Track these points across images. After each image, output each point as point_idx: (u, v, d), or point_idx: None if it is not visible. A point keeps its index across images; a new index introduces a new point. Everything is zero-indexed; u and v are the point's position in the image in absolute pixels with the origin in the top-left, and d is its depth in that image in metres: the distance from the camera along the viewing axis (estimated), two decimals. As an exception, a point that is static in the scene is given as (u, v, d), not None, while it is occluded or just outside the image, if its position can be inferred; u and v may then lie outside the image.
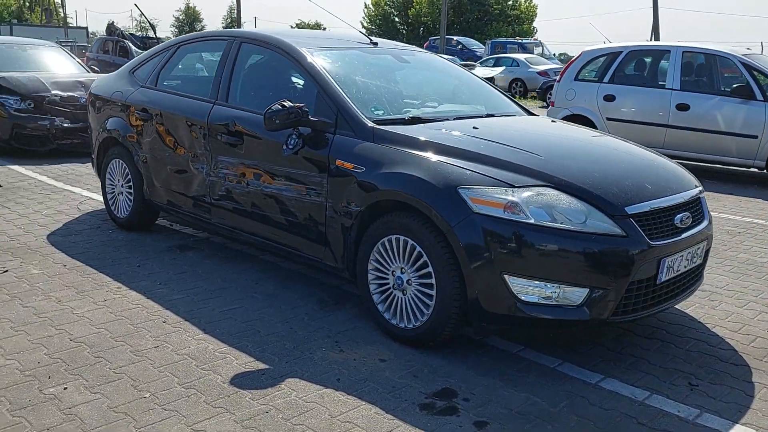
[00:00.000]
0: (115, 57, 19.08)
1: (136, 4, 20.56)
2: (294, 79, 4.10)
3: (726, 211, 6.68)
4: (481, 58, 28.35)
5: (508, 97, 4.72)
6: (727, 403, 2.93)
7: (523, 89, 22.84)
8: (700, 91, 8.52)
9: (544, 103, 15.75)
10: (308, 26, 67.68)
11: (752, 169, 8.48)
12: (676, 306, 3.93)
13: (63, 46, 34.79)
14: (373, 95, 3.91)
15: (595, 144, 3.86)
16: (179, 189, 4.64)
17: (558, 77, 9.95)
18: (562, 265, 2.96)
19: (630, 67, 9.44)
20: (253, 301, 3.89)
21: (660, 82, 8.91)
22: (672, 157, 8.80)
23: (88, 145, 6.09)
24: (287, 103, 3.58)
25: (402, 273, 3.33)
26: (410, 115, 3.76)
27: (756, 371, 3.22)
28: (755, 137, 7.97)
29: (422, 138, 3.41)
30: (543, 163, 3.20)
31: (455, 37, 33.85)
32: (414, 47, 5.01)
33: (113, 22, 19.63)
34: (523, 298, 3.00)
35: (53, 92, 8.41)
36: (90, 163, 5.96)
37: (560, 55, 41.73)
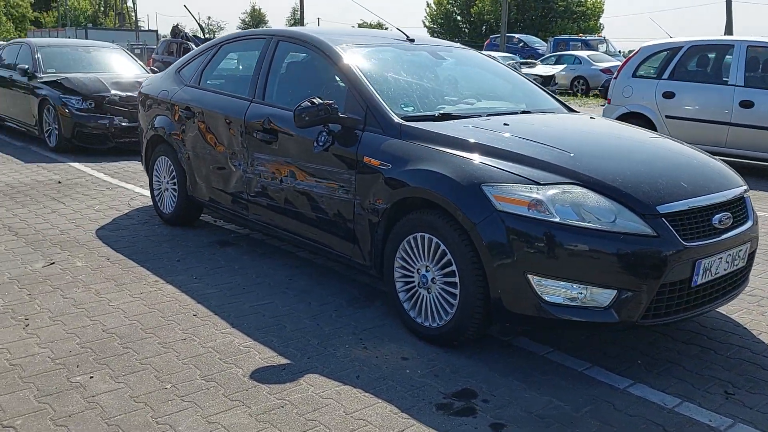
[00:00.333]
0: (178, 58, 19.63)
1: (185, 5, 21.04)
2: (327, 76, 4.11)
3: (789, 212, 6.35)
4: (542, 55, 27.87)
5: (549, 94, 4.60)
6: (764, 413, 2.77)
7: (585, 87, 22.32)
8: (765, 88, 8.12)
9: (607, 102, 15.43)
10: (370, 26, 68.06)
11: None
12: (719, 310, 3.77)
13: (134, 48, 35.75)
14: (404, 92, 3.88)
15: (632, 141, 3.72)
16: (219, 186, 4.72)
17: (615, 74, 9.66)
18: (588, 266, 2.86)
19: (691, 63, 9.08)
20: (285, 296, 3.92)
21: (723, 79, 8.54)
22: (734, 156, 8.48)
23: (142, 143, 6.28)
24: (317, 100, 3.59)
25: (427, 271, 3.29)
26: (441, 112, 3.71)
27: (801, 381, 3.04)
28: (824, 135, 7.54)
29: (449, 134, 3.36)
30: (571, 161, 3.10)
31: (517, 35, 33.38)
32: (453, 44, 4.95)
33: (178, 24, 20.20)
34: (547, 298, 2.92)
35: (113, 92, 8.71)
36: (142, 161, 6.15)
37: (628, 52, 40.61)
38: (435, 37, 56.69)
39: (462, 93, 4.19)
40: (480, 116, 3.78)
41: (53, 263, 4.38)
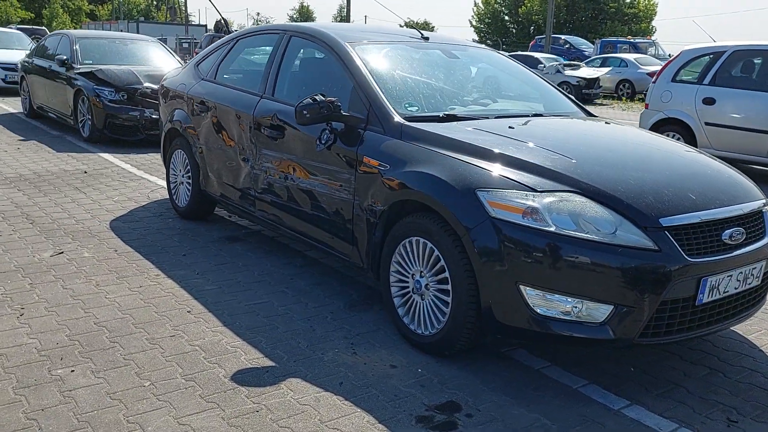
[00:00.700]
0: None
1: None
2: (336, 73, 4.03)
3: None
4: (589, 58, 27.32)
5: (568, 98, 4.43)
6: (767, 445, 2.59)
7: (631, 91, 21.80)
8: (811, 96, 7.75)
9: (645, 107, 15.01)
10: (416, 24, 67.88)
11: None
12: (735, 330, 3.57)
13: (182, 42, 36.37)
14: (410, 91, 3.77)
15: (644, 149, 3.54)
16: (229, 181, 4.69)
17: (654, 78, 9.35)
18: (584, 279, 2.71)
19: (734, 69, 8.72)
20: (283, 296, 3.86)
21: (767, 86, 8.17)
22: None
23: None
24: (318, 97, 3.51)
25: (421, 277, 3.18)
26: (446, 113, 3.59)
27: (814, 411, 2.84)
28: None
29: (448, 136, 3.25)
30: (573, 168, 2.96)
31: (563, 36, 32.81)
32: (469, 42, 4.82)
33: (221, 19, 20.42)
34: (539, 311, 2.78)
35: (145, 84, 8.80)
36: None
37: (679, 55, 39.49)
38: (482, 37, 56.26)
39: (473, 93, 4.06)
40: (488, 118, 3.65)
41: (61, 253, 4.41)
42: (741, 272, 2.94)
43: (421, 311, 3.20)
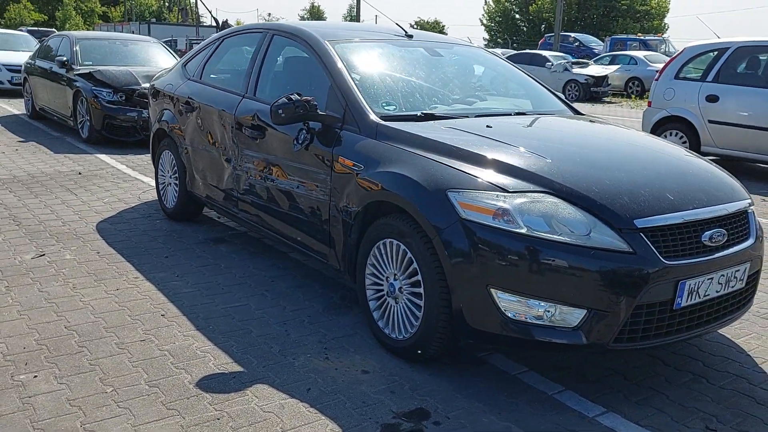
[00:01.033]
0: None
1: None
2: (315, 72, 3.95)
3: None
4: (598, 55, 27.08)
5: (556, 96, 4.33)
6: (746, 455, 2.49)
7: (641, 88, 21.54)
8: (817, 92, 7.59)
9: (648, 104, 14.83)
10: (427, 24, 67.70)
11: None
12: (724, 334, 3.47)
13: (192, 43, 36.69)
14: (389, 90, 3.69)
15: (626, 147, 3.43)
16: (213, 182, 4.64)
17: (656, 75, 9.20)
18: (556, 282, 2.62)
19: (739, 65, 8.56)
20: (262, 299, 3.79)
21: (773, 81, 8.01)
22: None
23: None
24: (294, 96, 3.44)
25: (395, 280, 3.10)
26: (424, 112, 3.51)
27: (798, 420, 2.73)
28: None
29: (423, 136, 3.17)
30: (547, 167, 2.86)
31: (572, 34, 32.53)
32: (456, 40, 4.73)
33: (227, 20, 20.44)
34: (511, 315, 2.69)
35: (143, 85, 8.75)
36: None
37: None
38: (493, 35, 56.01)
39: (455, 92, 3.97)
40: (467, 117, 3.57)
41: (43, 255, 4.38)
42: (723, 275, 2.84)
43: (395, 315, 3.13)
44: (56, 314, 3.45)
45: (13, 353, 3.02)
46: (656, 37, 29.59)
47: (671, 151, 3.46)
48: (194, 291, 3.86)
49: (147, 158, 8.03)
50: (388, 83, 3.74)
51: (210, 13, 23.23)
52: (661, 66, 21.55)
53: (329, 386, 2.85)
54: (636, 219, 2.65)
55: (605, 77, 20.87)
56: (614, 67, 22.21)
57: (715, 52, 8.57)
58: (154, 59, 10.24)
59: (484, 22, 56.78)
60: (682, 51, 9.00)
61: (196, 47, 5.45)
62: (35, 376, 2.82)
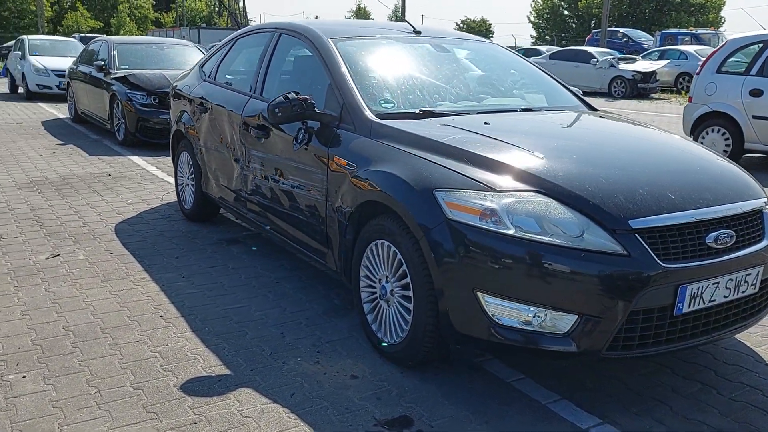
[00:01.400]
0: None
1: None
2: (318, 70, 3.89)
3: None
4: (647, 51, 26.33)
5: (571, 92, 4.16)
6: (748, 473, 2.31)
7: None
8: None
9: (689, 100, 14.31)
10: (473, 23, 67.14)
11: None
12: (742, 341, 3.27)
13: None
14: (388, 87, 3.60)
15: (633, 144, 3.26)
16: (224, 182, 4.63)
17: (698, 69, 8.84)
18: (545, 286, 2.49)
19: (785, 57, 8.15)
20: (263, 300, 3.75)
21: (821, 74, 7.60)
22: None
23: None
24: (291, 95, 3.39)
25: (387, 282, 3.02)
26: (422, 109, 3.41)
27: (812, 436, 2.53)
28: None
29: (415, 133, 3.07)
30: (540, 165, 2.73)
31: (621, 29, 31.74)
32: (466, 35, 4.60)
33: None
34: (499, 320, 2.57)
35: (176, 88, 8.88)
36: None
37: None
38: (540, 32, 55.14)
39: (461, 88, 3.84)
40: (468, 114, 3.45)
41: (57, 255, 4.44)
42: (731, 279, 2.65)
43: (387, 319, 3.04)
44: (57, 314, 3.48)
45: (7, 353, 3.04)
46: (709, 31, 28.57)
47: (682, 146, 3.27)
48: (197, 292, 3.84)
49: (177, 160, 8.13)
50: (388, 80, 3.65)
51: (227, 9, 23.31)
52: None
53: (315, 391, 2.78)
54: (631, 219, 2.50)
55: (653, 73, 20.28)
56: (663, 63, 21.55)
57: (760, 45, 8.19)
58: (189, 62, 10.34)
59: (532, 19, 55.97)
60: (724, 44, 8.63)
61: (212, 49, 5.46)
62: (24, 377, 2.83)
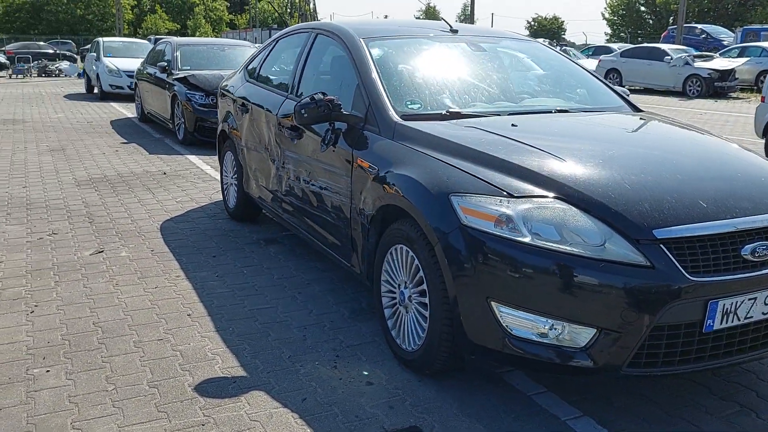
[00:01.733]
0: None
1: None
2: (349, 70, 3.85)
3: None
4: (727, 48, 25.16)
5: (615, 92, 3.97)
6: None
7: (773, 83, 19.75)
8: None
9: (761, 100, 13.57)
10: (545, 20, 65.87)
11: None
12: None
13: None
14: (418, 88, 3.51)
15: (666, 147, 3.06)
16: (262, 182, 4.65)
17: (772, 67, 8.33)
18: (562, 297, 2.36)
19: None
20: (291, 301, 3.74)
21: None
22: None
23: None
24: (317, 96, 3.36)
25: (405, 288, 2.94)
26: (450, 110, 3.31)
27: None
28: None
29: (437, 135, 2.98)
30: (562, 170, 2.59)
31: (699, 26, 30.45)
32: (505, 33, 4.44)
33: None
34: (514, 332, 2.46)
35: (233, 88, 9.03)
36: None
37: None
38: (615, 29, 53.56)
39: (497, 88, 3.71)
40: (498, 115, 3.33)
41: (101, 251, 4.56)
42: (771, 294, 2.45)
43: (405, 325, 2.96)
44: (90, 310, 3.56)
45: (36, 347, 3.13)
46: (795, 26, 27.06)
47: (727, 151, 3.05)
48: (228, 291, 3.86)
49: (231, 159, 8.26)
50: (417, 81, 3.57)
51: (275, 10, 23.52)
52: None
53: (327, 397, 2.74)
54: (656, 229, 2.34)
55: (732, 71, 19.35)
56: (742, 60, 20.54)
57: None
58: (249, 62, 10.53)
59: (606, 16, 54.45)
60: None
61: (257, 49, 5.50)
62: (48, 371, 2.90)
